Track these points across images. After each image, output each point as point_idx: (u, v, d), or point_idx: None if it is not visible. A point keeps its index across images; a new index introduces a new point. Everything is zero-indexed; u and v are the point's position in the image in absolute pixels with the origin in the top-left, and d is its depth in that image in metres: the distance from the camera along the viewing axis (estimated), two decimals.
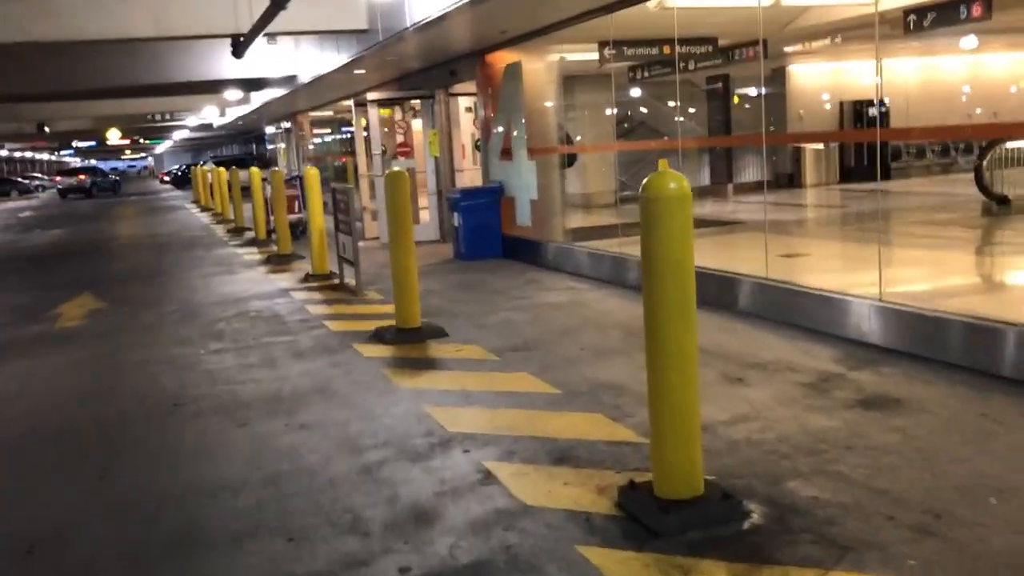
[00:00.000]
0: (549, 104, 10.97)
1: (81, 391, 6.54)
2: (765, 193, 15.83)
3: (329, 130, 31.05)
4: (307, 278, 11.03)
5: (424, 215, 15.50)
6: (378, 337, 7.31)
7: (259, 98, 21.94)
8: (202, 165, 37.80)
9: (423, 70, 14.47)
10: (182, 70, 15.32)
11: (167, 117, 29.53)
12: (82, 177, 47.90)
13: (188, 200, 34.21)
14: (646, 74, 16.18)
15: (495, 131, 12.28)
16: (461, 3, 8.41)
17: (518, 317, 7.92)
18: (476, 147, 14.22)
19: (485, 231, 11.98)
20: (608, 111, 17.19)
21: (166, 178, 59.89)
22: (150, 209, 32.21)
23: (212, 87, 18.80)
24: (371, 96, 14.05)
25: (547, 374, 5.89)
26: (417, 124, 15.67)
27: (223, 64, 15.42)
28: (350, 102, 20.84)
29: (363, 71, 14.20)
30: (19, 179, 62.22)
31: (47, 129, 27.21)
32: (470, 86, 13.71)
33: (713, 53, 12.90)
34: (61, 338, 8.67)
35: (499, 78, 11.87)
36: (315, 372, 6.44)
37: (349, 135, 25.31)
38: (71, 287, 12.41)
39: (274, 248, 13.98)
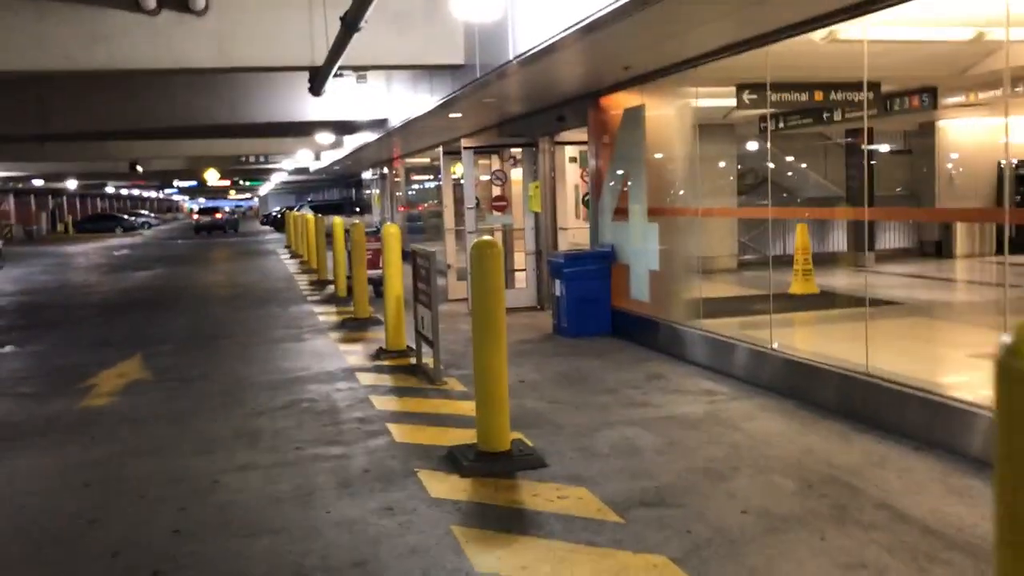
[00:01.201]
0: (678, 156, 9.05)
1: (48, 526, 4.84)
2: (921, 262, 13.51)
3: (429, 176, 29.85)
4: (379, 354, 9.29)
5: (520, 278, 13.70)
6: (453, 461, 5.44)
7: (352, 142, 20.69)
8: (297, 209, 37.10)
9: (525, 115, 12.76)
10: (262, 110, 14.02)
11: (261, 159, 28.75)
12: (219, 216, 53.46)
13: (282, 244, 33.42)
14: (780, 124, 14.18)
15: (608, 185, 10.42)
16: (578, 27, 6.61)
17: (642, 438, 5.93)
18: (583, 203, 12.37)
19: (592, 304, 10.07)
20: (726, 164, 15.18)
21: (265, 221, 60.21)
22: (242, 253, 31.46)
23: (299, 129, 17.57)
24: (465, 143, 12.40)
25: (700, 567, 3.88)
26: (516, 174, 13.98)
27: (306, 105, 14.08)
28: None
29: (458, 115, 12.58)
30: (124, 216, 63.44)
31: (140, 168, 26.67)
32: (579, 133, 11.92)
33: (873, 101, 10.75)
34: (76, 425, 7.08)
35: (616, 124, 10.03)
36: (360, 523, 4.58)
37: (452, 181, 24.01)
38: (125, 347, 11.03)
39: (352, 309, 12.36)
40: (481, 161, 13.76)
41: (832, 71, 9.03)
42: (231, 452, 6.09)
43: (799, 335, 7.74)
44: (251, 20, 8.62)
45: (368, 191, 35.95)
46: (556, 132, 12.11)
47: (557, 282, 10.22)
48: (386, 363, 8.99)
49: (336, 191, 59.53)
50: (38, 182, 42.01)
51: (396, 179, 26.63)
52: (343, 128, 18.05)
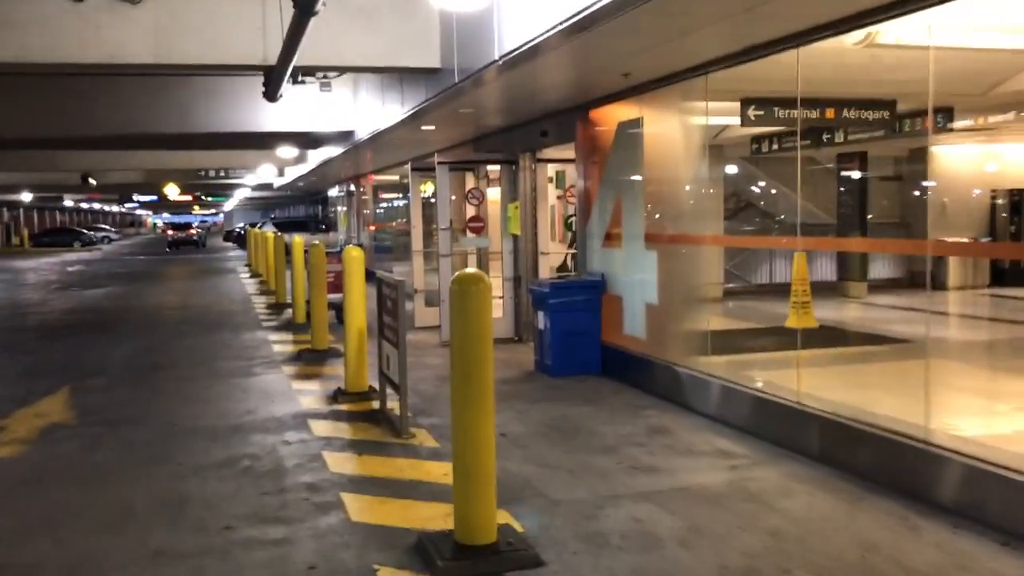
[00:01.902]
0: (682, 177, 8.01)
1: None
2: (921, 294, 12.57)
3: (398, 194, 28.68)
4: (337, 395, 8.10)
5: (495, 306, 12.58)
6: (424, 556, 4.27)
7: (316, 157, 19.50)
8: (260, 226, 35.74)
9: (504, 130, 11.69)
10: (216, 119, 12.82)
11: (221, 174, 27.43)
12: (192, 231, 52.77)
13: (243, 262, 32.02)
14: (774, 146, 13.25)
15: (598, 208, 9.35)
16: (576, 19, 5.54)
17: (658, 521, 4.81)
18: (565, 225, 11.30)
19: (580, 339, 8.96)
20: (713, 187, 14.22)
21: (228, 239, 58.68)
22: (201, 271, 30.02)
23: (259, 141, 16.38)
24: (440, 158, 11.28)
25: None
26: (492, 193, 12.90)
27: (265, 114, 12.91)
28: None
29: (431, 127, 11.48)
30: (83, 230, 61.48)
31: (92, 181, 25.23)
32: (564, 150, 10.86)
33: (889, 119, 9.79)
34: None
35: (608, 140, 8.98)
36: None
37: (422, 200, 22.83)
38: (54, 378, 9.79)
39: (309, 338, 11.14)
40: (452, 180, 12.64)
41: (855, 84, 8.06)
42: (146, 531, 4.88)
43: (821, 380, 6.72)
44: (194, 10, 7.47)
45: (335, 208, 34.71)
46: (539, 148, 11.04)
47: (540, 314, 9.11)
48: (344, 407, 7.81)
49: (302, 208, 58.16)
50: None
51: (364, 196, 25.44)
52: (307, 141, 16.89)
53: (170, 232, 54.46)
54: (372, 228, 25.02)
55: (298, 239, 13.78)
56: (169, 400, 8.55)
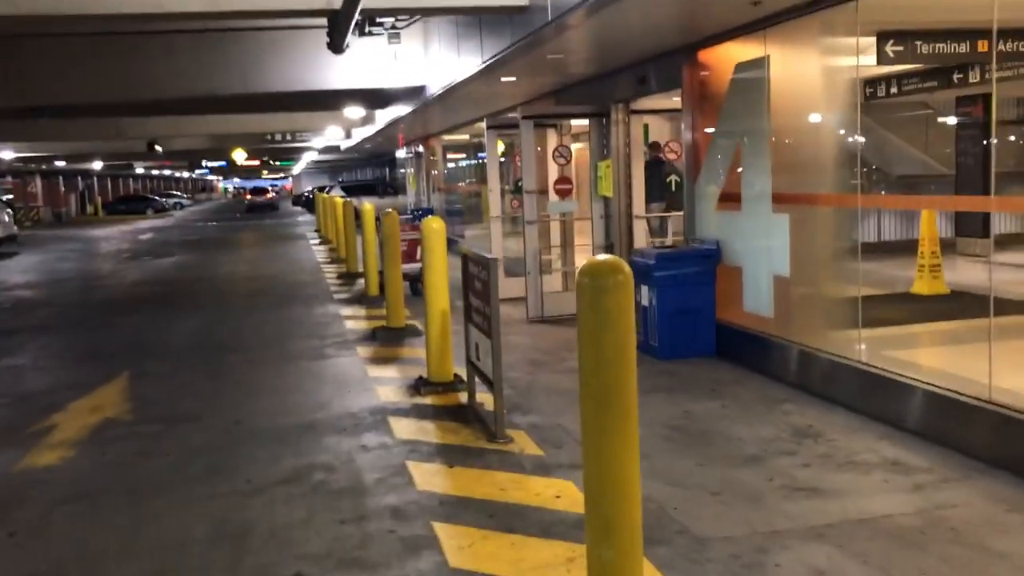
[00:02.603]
0: (825, 126, 6.78)
1: None
2: None
3: (464, 155, 27.65)
4: (419, 385, 7.13)
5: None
6: None
7: (384, 117, 18.53)
8: (328, 191, 35.11)
9: (593, 78, 10.49)
10: (278, 78, 11.89)
11: (288, 138, 26.71)
12: (269, 196, 55.43)
13: (312, 227, 31.41)
14: (892, 89, 11.79)
15: (710, 164, 8.16)
16: None
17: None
18: (670, 186, 10.12)
19: (691, 318, 7.84)
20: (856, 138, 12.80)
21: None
22: (270, 237, 29.49)
23: (324, 101, 15.47)
24: (524, 111, 10.15)
25: None
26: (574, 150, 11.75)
27: (330, 71, 11.94)
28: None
29: (512, 78, 10.35)
30: (155, 197, 61.93)
31: (159, 148, 24.73)
32: (661, 100, 9.66)
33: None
34: None
35: (723, 85, 7.76)
36: None
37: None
38: (115, 362, 9.16)
39: (384, 313, 10.21)
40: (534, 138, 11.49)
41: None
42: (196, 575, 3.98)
43: (1001, 364, 5.51)
44: None
45: (403, 170, 33.85)
46: (634, 98, 9.83)
47: (644, 289, 7.99)
48: (428, 400, 6.84)
49: (369, 171, 57.57)
50: (61, 163, 40.38)
51: (432, 158, 24.44)
52: (375, 100, 15.93)
53: (248, 196, 57.03)
54: (442, 190, 24.05)
55: (368, 206, 12.86)
56: (235, 390, 7.71)
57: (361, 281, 14.32)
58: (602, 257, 3.22)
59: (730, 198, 7.75)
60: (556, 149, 10.62)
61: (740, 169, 7.54)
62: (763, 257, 7.26)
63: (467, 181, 25.50)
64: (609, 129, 10.21)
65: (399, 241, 10.02)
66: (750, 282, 7.48)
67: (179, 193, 76.32)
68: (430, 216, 7.09)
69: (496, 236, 11.99)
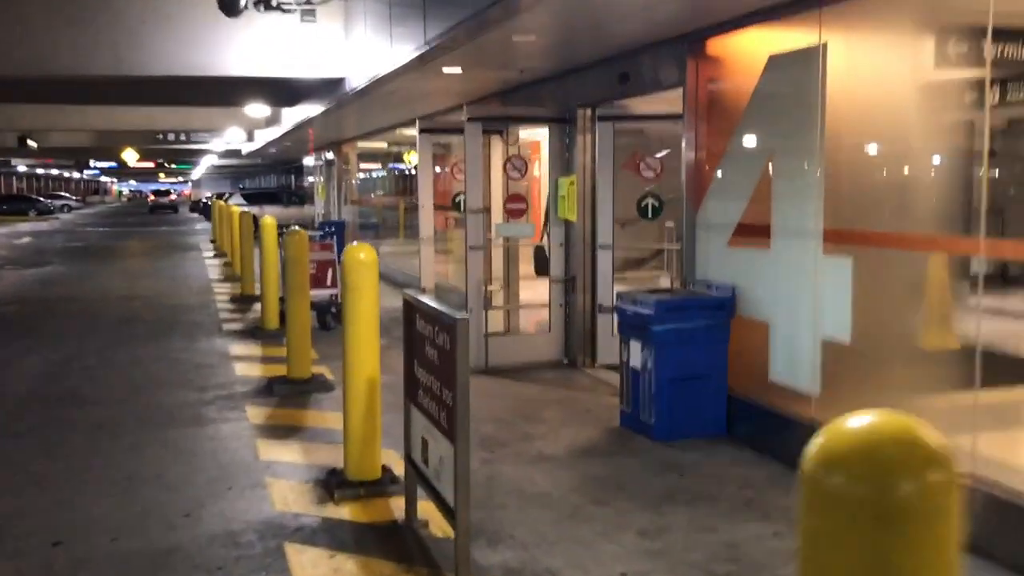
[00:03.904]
0: (923, 138, 4.98)
1: None
2: None
3: (378, 165, 25.39)
4: (332, 485, 4.99)
5: (538, 319, 9.58)
6: None
7: (291, 117, 16.25)
8: (227, 198, 32.34)
9: (556, 76, 8.56)
10: (159, 58, 9.58)
11: (183, 138, 24.02)
12: (171, 198, 60.97)
13: (208, 236, 28.59)
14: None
15: (720, 186, 6.30)
16: None
17: None
18: (644, 211, 8.25)
19: (697, 386, 5.94)
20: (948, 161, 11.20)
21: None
22: (160, 246, 26.65)
23: (222, 93, 13.13)
24: (471, 111, 8.13)
25: None
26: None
27: (225, 53, 9.72)
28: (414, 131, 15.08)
29: (456, 69, 8.34)
30: (40, 198, 57.42)
31: (32, 142, 21.74)
32: (643, 103, 7.80)
33: None
34: None
35: (747, 83, 5.91)
36: None
37: (413, 171, 19.57)
38: None
39: (284, 353, 8.00)
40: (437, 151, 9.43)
41: None
42: None
43: None
44: None
45: (310, 179, 31.31)
46: (607, 100, 7.94)
47: (635, 346, 6.06)
48: (346, 513, 4.72)
49: (273, 178, 54.57)
50: None
51: (346, 166, 22.15)
52: (281, 94, 13.70)
53: (152, 197, 62.69)
54: (356, 202, 21.79)
55: (269, 220, 10.61)
56: (70, 477, 5.44)
57: (258, 306, 12.04)
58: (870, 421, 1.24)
59: (752, 231, 5.90)
60: (509, 160, 8.63)
61: (772, 193, 5.69)
62: (804, 312, 5.41)
63: (381, 193, 23.31)
64: (573, 138, 8.29)
65: (307, 268, 7.88)
66: (781, 344, 5.62)
67: (67, 195, 71.46)
68: (356, 244, 4.98)
69: (427, 261, 9.94)
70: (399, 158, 20.70)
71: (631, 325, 6.11)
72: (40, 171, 63.00)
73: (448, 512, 3.83)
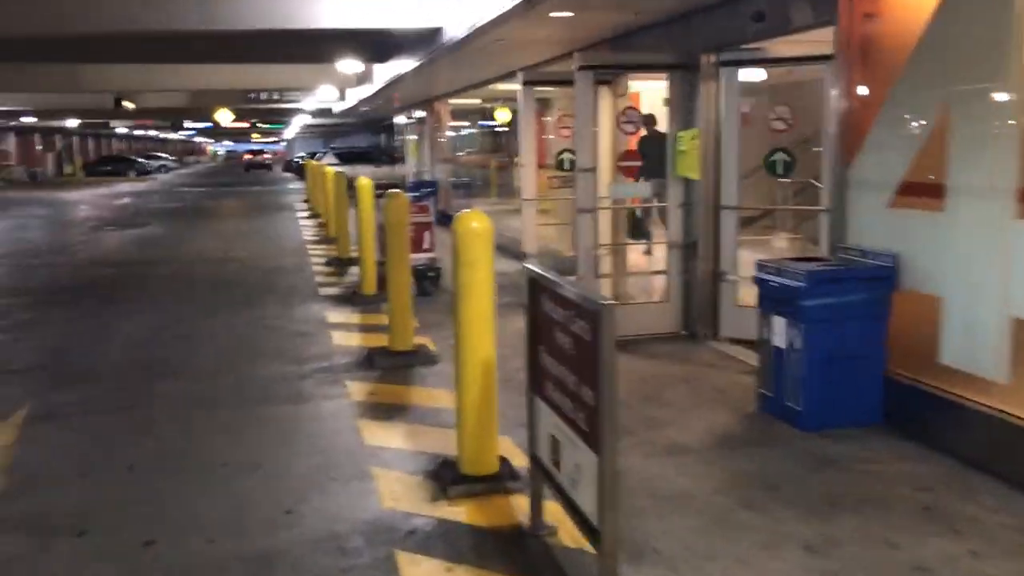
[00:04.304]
0: None
1: None
2: None
3: (469, 123, 24.80)
4: (445, 479, 4.46)
5: (654, 285, 8.93)
6: None
7: (383, 74, 15.75)
8: (319, 157, 32.27)
9: (674, 19, 7.76)
10: (246, 12, 9.12)
11: (275, 97, 23.85)
12: (265, 157, 65.51)
13: (302, 196, 28.56)
14: None
15: (875, 137, 5.47)
16: None
17: None
18: (772, 167, 7.46)
19: (851, 368, 5.21)
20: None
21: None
22: (254, 206, 26.75)
23: (313, 48, 12.68)
24: (582, 59, 7.43)
25: None
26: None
27: (318, 5, 9.18)
28: (514, 85, 14.40)
29: (567, 13, 7.61)
30: (139, 159, 58.79)
31: (128, 104, 21.86)
32: (784, 44, 6.97)
33: None
34: None
35: (918, 14, 5.06)
36: None
37: (504, 128, 18.90)
38: (8, 392, 6.47)
39: (386, 323, 7.54)
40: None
41: None
42: None
43: None
44: None
45: (402, 138, 30.95)
46: (737, 43, 7.12)
47: (781, 324, 5.34)
48: (461, 513, 4.19)
49: (363, 138, 54.55)
50: (31, 119, 37.36)
51: (437, 124, 21.64)
52: (373, 47, 13.17)
53: (247, 156, 66.33)
54: (447, 161, 21.29)
55: (365, 181, 10.16)
56: (160, 463, 5.06)
57: (354, 270, 11.67)
58: None
59: (921, 191, 5.09)
60: (623, 112, 7.91)
61: (947, 146, 4.86)
62: (990, 286, 4.61)
63: (471, 152, 22.75)
64: (695, 87, 7.51)
65: (407, 233, 7.35)
66: (957, 322, 4.83)
67: (165, 156, 73.14)
68: (468, 212, 4.39)
69: (529, 225, 9.33)
70: (490, 115, 20.10)
71: (775, 299, 5.39)
72: (138, 132, 64.40)
73: (585, 525, 3.24)
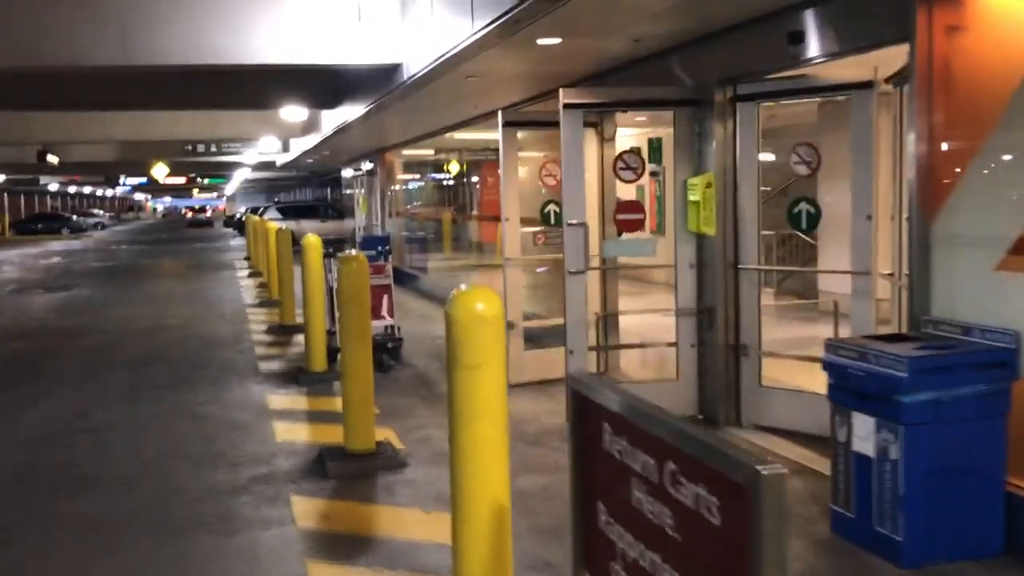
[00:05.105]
0: None
1: None
2: None
3: (417, 175, 23.53)
4: None
5: (664, 360, 7.68)
6: None
7: (332, 120, 14.46)
8: (261, 212, 30.77)
9: (681, 46, 6.61)
10: (173, 44, 7.77)
11: (213, 149, 22.38)
12: (208, 213, 69.95)
13: (243, 254, 26.94)
14: None
15: (975, 184, 4.30)
16: None
17: None
18: (796, 219, 6.30)
19: (963, 483, 3.95)
20: None
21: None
22: (192, 265, 25.09)
23: (253, 91, 11.35)
24: (568, 96, 6.21)
25: None
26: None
27: (257, 37, 7.90)
28: (472, 133, 13.21)
29: (553, 40, 6.41)
30: (73, 216, 56.54)
31: (52, 157, 20.19)
32: (833, 67, 5.82)
33: None
34: None
35: (1020, 29, 3.93)
36: None
37: (455, 180, 17.67)
38: None
39: (338, 409, 6.13)
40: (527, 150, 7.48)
41: None
42: None
43: None
44: None
45: (349, 191, 29.58)
46: (759, 72, 5.98)
47: (866, 423, 4.08)
48: None
49: (310, 191, 53.07)
50: None
51: (389, 177, 20.35)
52: (321, 89, 11.91)
53: (189, 213, 71.11)
54: (399, 215, 19.97)
55: (313, 239, 8.79)
56: None
57: (299, 338, 10.23)
58: None
59: None
60: (620, 158, 6.69)
61: None
62: None
63: (418, 204, 21.49)
64: (707, 126, 6.34)
65: (368, 305, 5.99)
66: None
67: (100, 212, 70.70)
68: (467, 288, 3.07)
69: (514, 288, 8.00)
70: (444, 167, 18.90)
71: (857, 391, 4.13)
72: (72, 189, 62.09)
73: None
